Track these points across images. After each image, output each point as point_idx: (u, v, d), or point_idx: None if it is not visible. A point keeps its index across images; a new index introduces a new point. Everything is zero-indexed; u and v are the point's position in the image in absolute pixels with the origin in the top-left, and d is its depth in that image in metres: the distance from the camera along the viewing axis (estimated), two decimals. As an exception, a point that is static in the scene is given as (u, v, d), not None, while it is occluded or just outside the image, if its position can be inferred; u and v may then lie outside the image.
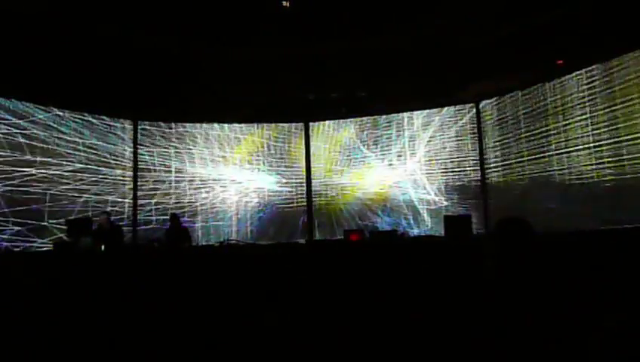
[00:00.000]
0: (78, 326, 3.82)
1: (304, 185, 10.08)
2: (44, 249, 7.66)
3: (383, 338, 3.42)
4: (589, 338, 1.11)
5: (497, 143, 8.61)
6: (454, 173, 9.10)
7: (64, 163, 8.38)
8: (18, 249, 7.40)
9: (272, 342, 3.47)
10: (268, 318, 3.86)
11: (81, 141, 8.64)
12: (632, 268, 3.88)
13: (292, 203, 10.01)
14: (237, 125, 10.08)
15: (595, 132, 7.04)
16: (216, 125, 9.99)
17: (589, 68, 7.12)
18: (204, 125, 9.91)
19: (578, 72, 7.27)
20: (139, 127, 9.54)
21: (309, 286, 4.87)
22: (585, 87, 7.18)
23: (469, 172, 8.99)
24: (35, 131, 8.04)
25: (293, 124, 10.28)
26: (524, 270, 1.88)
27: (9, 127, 7.71)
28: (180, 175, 9.65)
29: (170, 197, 9.46)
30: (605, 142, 6.89)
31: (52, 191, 8.15)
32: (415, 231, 9.08)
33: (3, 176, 7.56)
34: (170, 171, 9.60)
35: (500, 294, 1.90)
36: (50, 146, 8.20)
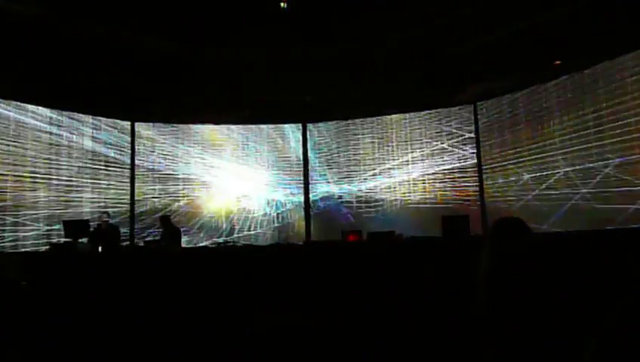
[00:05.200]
0: (76, 326, 3.81)
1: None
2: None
3: (382, 338, 3.43)
4: (587, 338, 1.11)
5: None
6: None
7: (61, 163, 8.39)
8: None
9: (270, 342, 3.47)
10: (266, 318, 3.86)
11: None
12: (630, 267, 3.88)
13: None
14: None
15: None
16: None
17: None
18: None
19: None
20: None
21: (307, 286, 4.87)
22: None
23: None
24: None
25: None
26: (521, 269, 1.88)
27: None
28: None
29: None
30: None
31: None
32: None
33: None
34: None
35: (497, 293, 1.90)
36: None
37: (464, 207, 8.77)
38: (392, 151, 9.65)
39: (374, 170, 9.76)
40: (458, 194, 9.01)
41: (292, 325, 3.68)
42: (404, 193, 9.46)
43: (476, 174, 8.92)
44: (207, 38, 7.64)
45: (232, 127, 10.11)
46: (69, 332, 3.71)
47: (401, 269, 5.13)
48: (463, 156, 9.06)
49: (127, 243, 8.79)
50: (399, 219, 9.28)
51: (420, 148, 9.40)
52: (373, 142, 9.85)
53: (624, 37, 6.64)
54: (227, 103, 9.52)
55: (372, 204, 9.66)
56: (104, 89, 8.35)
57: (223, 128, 10.08)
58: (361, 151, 9.91)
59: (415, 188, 9.38)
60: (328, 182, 10.03)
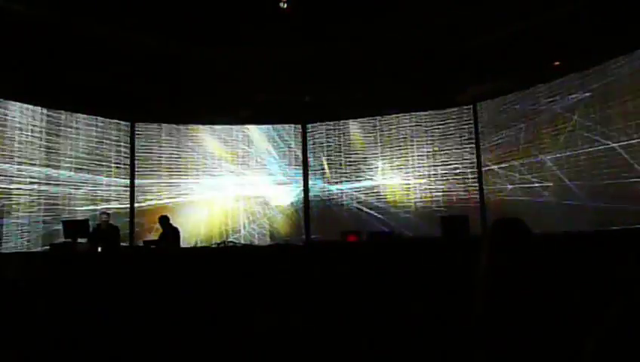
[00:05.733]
0: (76, 326, 3.81)
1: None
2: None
3: (381, 339, 3.42)
4: (586, 339, 1.11)
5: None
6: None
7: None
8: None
9: (270, 343, 3.47)
10: (266, 319, 3.86)
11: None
12: (630, 267, 3.88)
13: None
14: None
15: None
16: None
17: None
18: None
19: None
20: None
21: (307, 287, 4.87)
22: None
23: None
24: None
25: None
26: (521, 270, 1.88)
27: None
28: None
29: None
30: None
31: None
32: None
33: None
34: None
35: (496, 294, 1.89)
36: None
37: (464, 207, 8.76)
38: (392, 151, 9.64)
39: (374, 170, 9.74)
40: (457, 194, 9.01)
41: (292, 325, 3.68)
42: (404, 193, 9.45)
43: (476, 174, 8.92)
44: (206, 38, 7.64)
45: (232, 127, 10.09)
46: (69, 333, 3.71)
47: (400, 269, 5.13)
48: (462, 156, 9.06)
49: (127, 243, 8.79)
50: (399, 220, 9.29)
51: (420, 149, 9.40)
52: (373, 142, 9.84)
53: (624, 37, 6.63)
54: (227, 103, 9.52)
55: (371, 205, 9.65)
56: (104, 89, 8.34)
57: (222, 128, 10.07)
58: (361, 152, 9.89)
59: (415, 189, 9.37)
60: (328, 183, 10.02)
